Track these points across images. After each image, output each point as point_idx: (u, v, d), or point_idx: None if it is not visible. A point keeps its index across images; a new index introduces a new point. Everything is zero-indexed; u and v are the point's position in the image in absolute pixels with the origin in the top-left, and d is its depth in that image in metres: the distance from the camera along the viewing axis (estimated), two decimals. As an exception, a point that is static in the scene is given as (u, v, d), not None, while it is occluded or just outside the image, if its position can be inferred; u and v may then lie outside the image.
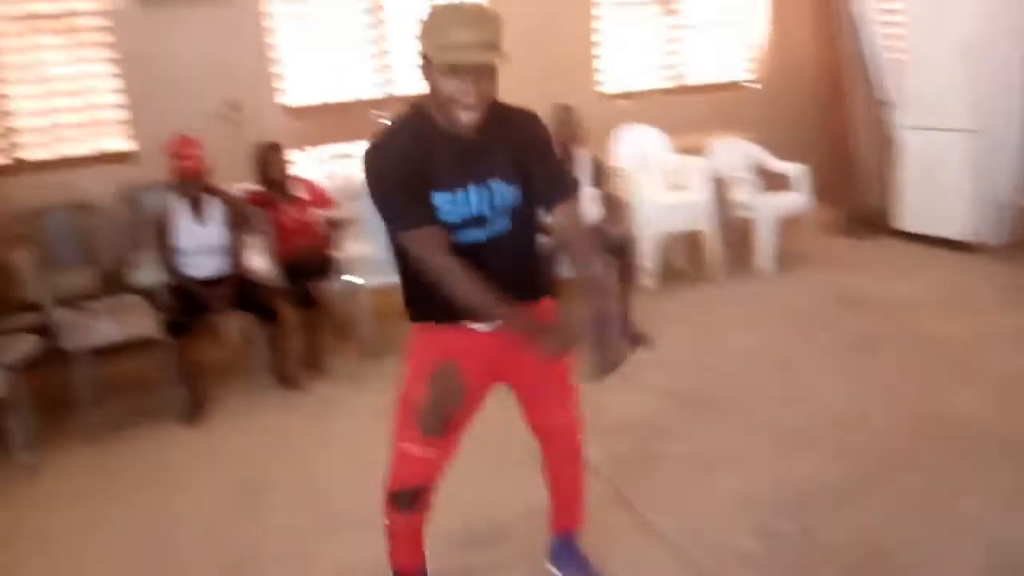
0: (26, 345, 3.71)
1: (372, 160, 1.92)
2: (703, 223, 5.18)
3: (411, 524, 2.21)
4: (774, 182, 5.57)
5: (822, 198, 5.86)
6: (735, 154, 5.55)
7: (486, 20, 1.83)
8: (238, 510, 3.04)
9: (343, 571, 2.60)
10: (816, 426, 3.25)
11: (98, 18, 4.94)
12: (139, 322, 3.88)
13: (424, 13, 1.88)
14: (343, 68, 5.60)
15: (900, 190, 5.74)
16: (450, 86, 1.84)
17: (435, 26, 1.84)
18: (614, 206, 4.43)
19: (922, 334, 4.10)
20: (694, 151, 5.45)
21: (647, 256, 5.08)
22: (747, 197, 5.34)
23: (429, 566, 2.31)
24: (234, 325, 4.59)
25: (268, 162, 4.34)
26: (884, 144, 5.90)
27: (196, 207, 3.98)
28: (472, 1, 1.92)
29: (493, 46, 1.84)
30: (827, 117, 6.23)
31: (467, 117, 1.87)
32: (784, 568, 2.44)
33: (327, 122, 5.45)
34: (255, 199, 4.36)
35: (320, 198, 4.51)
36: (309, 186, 4.50)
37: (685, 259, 5.50)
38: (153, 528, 2.97)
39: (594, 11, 6.04)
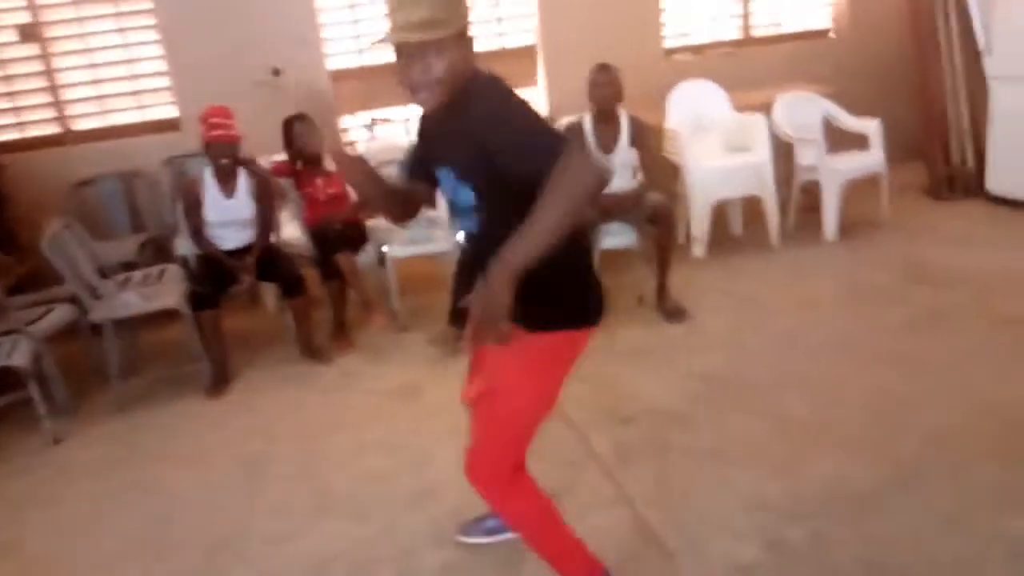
0: (56, 316, 3.80)
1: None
2: (762, 187, 4.80)
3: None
4: (849, 141, 5.10)
5: (903, 158, 5.36)
6: (804, 111, 5.09)
7: None
8: (238, 486, 3.02)
9: (320, 561, 2.52)
10: (853, 422, 2.94)
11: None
12: (165, 294, 3.90)
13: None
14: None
15: (991, 148, 5.17)
16: (396, 67, 1.73)
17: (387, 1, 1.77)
18: (653, 170, 4.14)
19: (999, 315, 3.65)
20: (759, 108, 5.04)
21: (697, 223, 4.77)
22: (814, 158, 4.91)
23: None
24: (268, 297, 4.61)
25: (294, 134, 4.26)
26: (976, 97, 5.32)
27: (225, 178, 3.95)
28: None
29: (431, 23, 1.65)
30: (911, 68, 5.65)
31: (416, 99, 1.74)
32: (783, 584, 2.21)
33: (373, 86, 5.34)
34: (281, 170, 4.31)
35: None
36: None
37: (743, 226, 5.14)
38: (156, 502, 2.99)
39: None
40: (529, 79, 5.59)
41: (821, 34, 6.13)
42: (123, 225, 5.03)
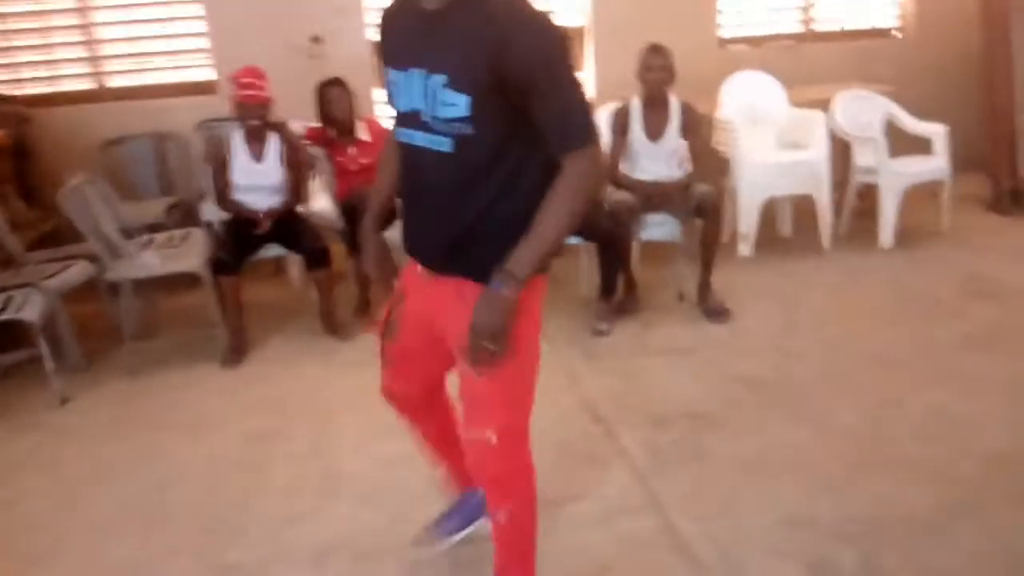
0: (73, 273, 3.67)
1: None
2: (816, 187, 4.54)
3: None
4: (910, 144, 4.81)
5: (967, 166, 5.06)
6: (864, 110, 4.82)
7: None
8: (244, 460, 2.86)
9: (324, 546, 2.35)
10: (906, 438, 2.70)
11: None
12: (186, 257, 3.76)
13: None
14: None
15: (1066, 161, 4.86)
16: None
17: None
18: (703, 161, 3.91)
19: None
20: (816, 105, 4.78)
21: (745, 219, 4.53)
22: (873, 160, 4.64)
23: None
24: (293, 268, 4.46)
25: (328, 99, 4.10)
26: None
27: (255, 141, 3.80)
28: None
29: None
30: (979, 73, 5.34)
31: None
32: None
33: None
34: (314, 135, 4.15)
35: (383, 138, 4.23)
36: (373, 126, 4.23)
37: (792, 226, 4.89)
38: (158, 470, 2.85)
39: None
40: (576, 62, 5.38)
41: (885, 32, 5.85)
42: (151, 187, 4.91)
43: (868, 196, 4.69)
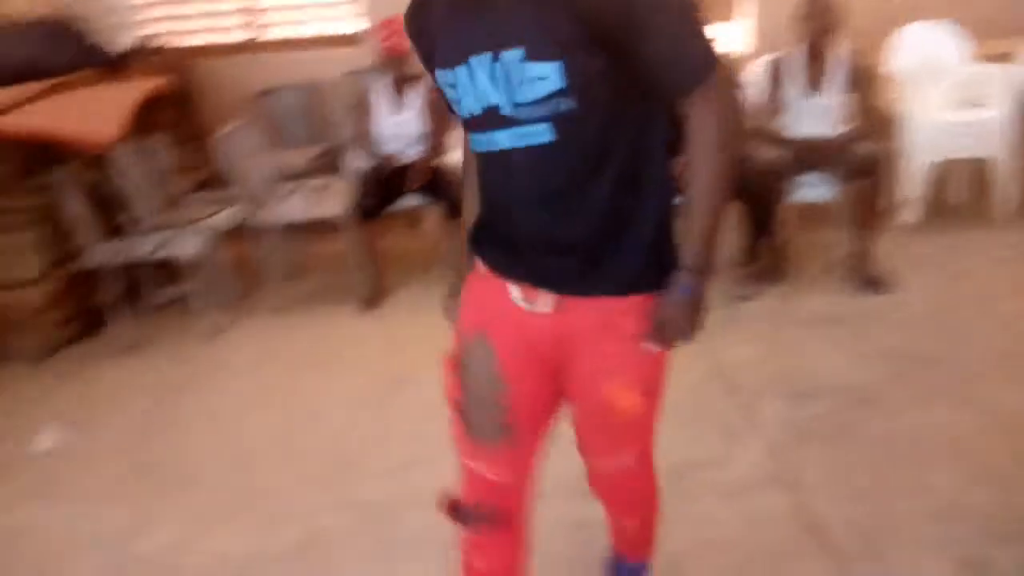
0: (226, 216, 3.86)
1: None
2: (997, 149, 4.10)
3: (476, 544, 1.56)
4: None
5: None
6: (1060, 65, 4.30)
7: None
8: (375, 403, 2.94)
9: (426, 496, 2.36)
10: (1089, 430, 2.40)
11: None
12: (330, 203, 3.86)
13: None
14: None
15: None
16: None
17: None
18: (869, 118, 3.60)
19: None
20: (1004, 60, 4.30)
21: (913, 183, 4.15)
22: (1066, 121, 4.13)
23: None
24: (431, 218, 4.50)
25: None
26: None
27: (397, 92, 3.84)
28: None
29: None
30: None
31: None
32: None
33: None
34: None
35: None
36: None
37: (967, 192, 4.45)
38: (297, 405, 2.98)
39: None
40: (723, 12, 5.07)
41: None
42: (301, 135, 5.08)
43: (1058, 161, 4.18)
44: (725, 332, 3.21)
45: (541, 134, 1.25)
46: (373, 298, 3.77)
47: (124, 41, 4.29)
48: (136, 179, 3.73)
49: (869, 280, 3.49)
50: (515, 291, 1.38)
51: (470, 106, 1.29)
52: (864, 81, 3.61)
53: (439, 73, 1.32)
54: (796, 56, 3.62)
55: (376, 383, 3.07)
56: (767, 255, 3.64)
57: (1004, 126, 4.07)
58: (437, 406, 2.83)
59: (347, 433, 2.75)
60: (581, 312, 1.36)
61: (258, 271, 4.07)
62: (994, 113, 4.11)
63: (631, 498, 1.68)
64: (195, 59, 5.02)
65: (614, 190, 1.29)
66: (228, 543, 2.27)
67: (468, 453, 1.52)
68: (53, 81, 3.69)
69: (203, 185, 4.48)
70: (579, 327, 1.37)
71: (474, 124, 1.32)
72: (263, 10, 5.11)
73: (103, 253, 3.46)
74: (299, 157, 4.77)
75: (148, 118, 3.98)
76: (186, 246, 3.48)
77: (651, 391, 1.46)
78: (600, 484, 1.64)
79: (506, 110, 1.25)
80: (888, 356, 2.93)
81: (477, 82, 1.26)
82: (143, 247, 3.51)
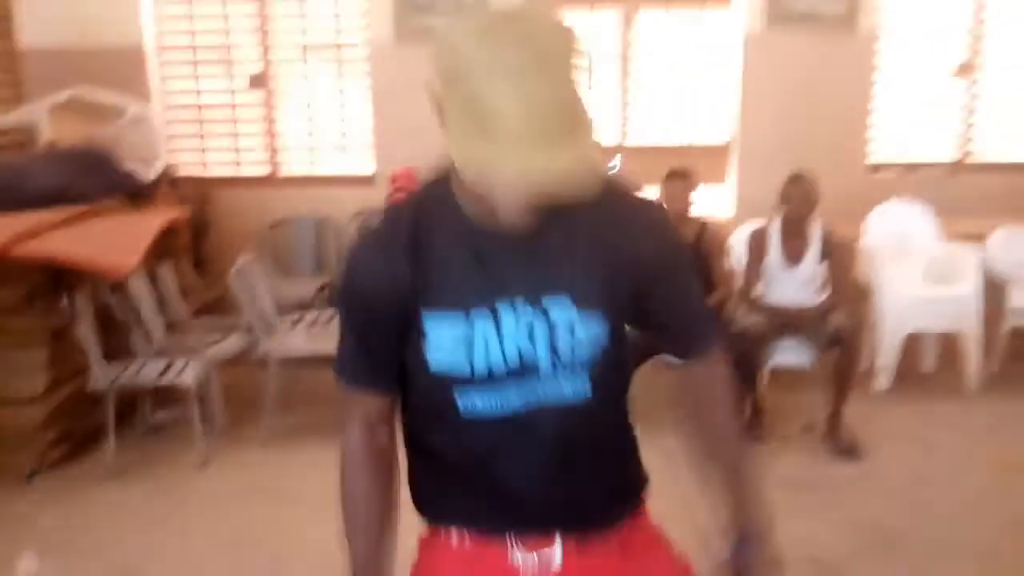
0: (230, 344, 4.00)
1: (345, 262, 1.24)
2: (965, 324, 4.33)
3: None
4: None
5: None
6: (1022, 248, 4.60)
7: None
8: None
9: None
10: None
11: (361, 49, 5.28)
12: (331, 340, 4.00)
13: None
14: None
15: None
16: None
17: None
18: (843, 289, 3.84)
19: None
20: (970, 239, 4.61)
21: (886, 352, 4.35)
22: (1029, 302, 4.39)
23: None
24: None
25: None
26: None
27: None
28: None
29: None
30: None
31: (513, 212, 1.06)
32: None
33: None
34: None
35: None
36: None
37: (936, 363, 4.65)
38: (278, 545, 3.01)
39: (873, 75, 5.34)
40: (717, 177, 5.42)
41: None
42: (307, 266, 5.31)
43: (1022, 340, 4.41)
44: (703, 492, 3.29)
45: (578, 390, 1.17)
46: (364, 434, 3.85)
47: (154, 171, 4.55)
48: (145, 303, 3.89)
49: (843, 447, 3.62)
50: (514, 553, 1.22)
51: (488, 359, 1.13)
52: (839, 254, 3.88)
53: (435, 318, 1.13)
54: (775, 228, 3.89)
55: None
56: (747, 416, 3.78)
57: (973, 302, 4.32)
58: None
59: (334, 572, 2.78)
60: (598, 549, 1.25)
61: (254, 399, 4.16)
62: (964, 289, 4.37)
63: None
64: (216, 190, 5.30)
65: (620, 439, 1.31)
66: None
67: None
68: (81, 208, 3.90)
69: (210, 308, 4.64)
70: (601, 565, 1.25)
71: (481, 381, 1.14)
72: (284, 148, 5.45)
73: (107, 376, 3.56)
74: (303, 287, 4.97)
75: (164, 243, 4.18)
76: (188, 374, 3.60)
77: None
78: None
79: (545, 363, 1.14)
80: (860, 526, 3.02)
81: (505, 331, 1.13)
82: (147, 373, 3.62)
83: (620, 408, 1.29)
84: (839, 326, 3.69)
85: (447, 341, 1.13)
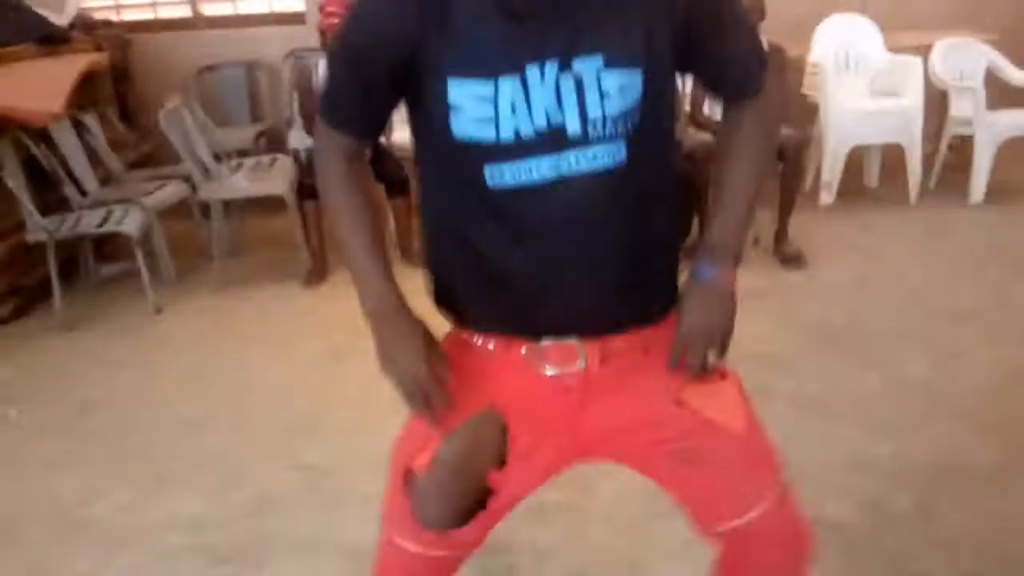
0: (169, 191, 3.88)
1: None
2: (907, 137, 4.39)
3: None
4: (1011, 98, 4.58)
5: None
6: (965, 58, 4.61)
7: None
8: (320, 373, 3.04)
9: (374, 459, 2.48)
10: (975, 393, 2.64)
11: None
12: (273, 181, 3.92)
13: None
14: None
15: None
16: None
17: None
18: (787, 105, 3.83)
19: None
20: (916, 52, 4.59)
21: (830, 167, 4.41)
22: (971, 110, 4.44)
23: None
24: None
25: None
26: None
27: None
28: None
29: None
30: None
31: None
32: (879, 548, 2.02)
33: None
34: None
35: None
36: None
37: (880, 177, 4.74)
38: (241, 379, 3.04)
39: None
40: None
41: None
42: (242, 114, 5.10)
43: (961, 151, 4.50)
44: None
45: (613, 154, 1.06)
46: (316, 274, 3.85)
47: (65, 15, 4.24)
48: (74, 154, 3.73)
49: (789, 257, 3.73)
50: (535, 354, 1.16)
51: (517, 125, 1.04)
52: (779, 66, 3.83)
53: (459, 84, 1.03)
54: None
55: (321, 355, 3.16)
56: (695, 233, 3.84)
57: (916, 114, 4.36)
58: (377, 376, 2.96)
59: (294, 401, 2.85)
60: (624, 353, 1.17)
61: (201, 247, 4.10)
62: (907, 102, 4.40)
63: (797, 552, 1.32)
64: (134, 34, 4.97)
65: (664, 209, 1.17)
66: (181, 504, 2.35)
67: (405, 532, 1.25)
68: (-10, 54, 3.65)
69: (143, 162, 4.47)
70: (627, 369, 1.18)
71: (508, 150, 1.05)
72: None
73: (46, 227, 3.45)
74: (240, 135, 4.79)
75: (86, 93, 3.96)
76: (129, 222, 3.50)
77: (741, 413, 1.30)
78: (755, 550, 1.29)
79: (575, 129, 1.04)
80: (804, 326, 3.16)
81: (534, 95, 1.03)
82: (87, 222, 3.52)
83: (666, 190, 1.16)
84: (784, 141, 3.70)
85: (470, 104, 1.03)
